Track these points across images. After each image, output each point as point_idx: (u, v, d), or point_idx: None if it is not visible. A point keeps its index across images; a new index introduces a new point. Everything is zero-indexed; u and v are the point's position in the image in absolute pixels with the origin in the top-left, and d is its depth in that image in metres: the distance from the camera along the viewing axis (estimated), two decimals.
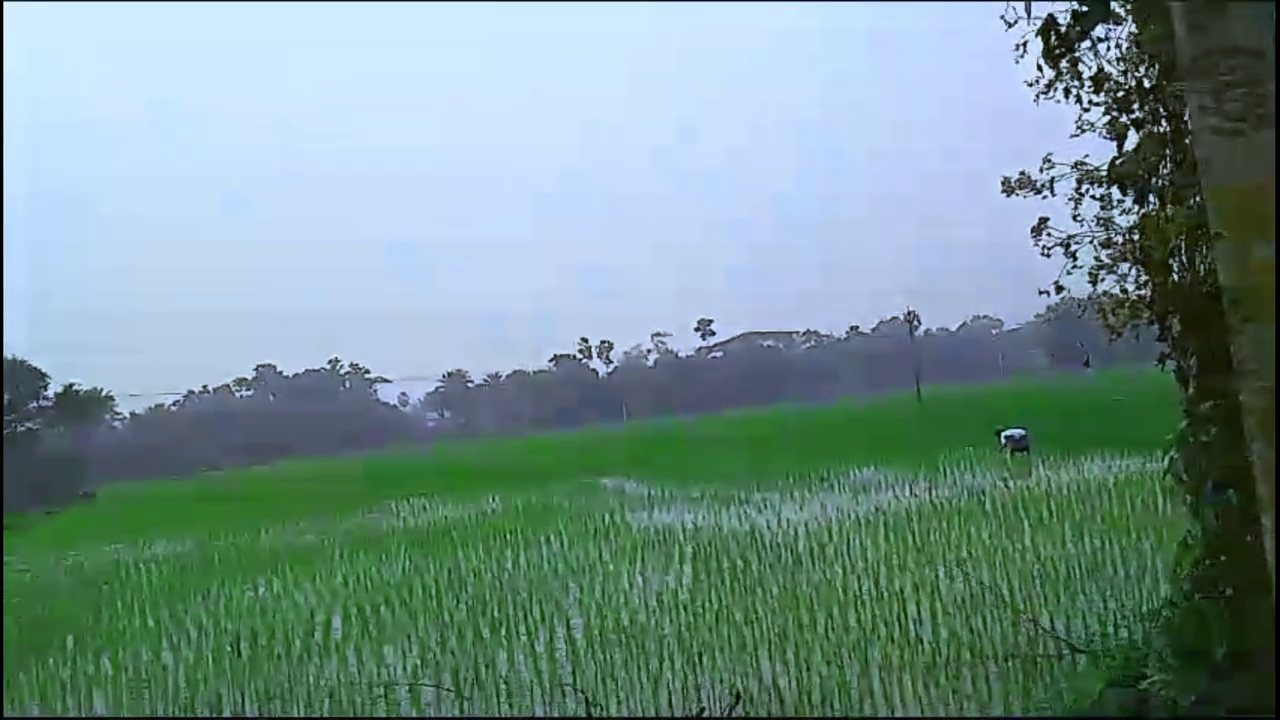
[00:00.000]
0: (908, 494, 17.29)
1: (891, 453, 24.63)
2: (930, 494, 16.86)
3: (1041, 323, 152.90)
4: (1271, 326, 1.81)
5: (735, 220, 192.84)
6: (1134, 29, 3.80)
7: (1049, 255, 4.20)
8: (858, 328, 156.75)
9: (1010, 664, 6.79)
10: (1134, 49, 3.84)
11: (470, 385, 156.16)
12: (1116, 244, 3.98)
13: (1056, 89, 4.07)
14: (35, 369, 62.83)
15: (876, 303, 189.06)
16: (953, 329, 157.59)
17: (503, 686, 8.09)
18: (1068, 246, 4.17)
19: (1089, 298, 4.24)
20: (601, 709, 7.17)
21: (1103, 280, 4.09)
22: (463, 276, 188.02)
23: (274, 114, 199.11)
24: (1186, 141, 3.74)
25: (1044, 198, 4.24)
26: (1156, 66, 3.73)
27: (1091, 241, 4.13)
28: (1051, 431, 22.78)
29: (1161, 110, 3.76)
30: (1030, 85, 4.14)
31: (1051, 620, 7.62)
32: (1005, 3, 3.66)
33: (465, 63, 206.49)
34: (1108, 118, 3.99)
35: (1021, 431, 21.55)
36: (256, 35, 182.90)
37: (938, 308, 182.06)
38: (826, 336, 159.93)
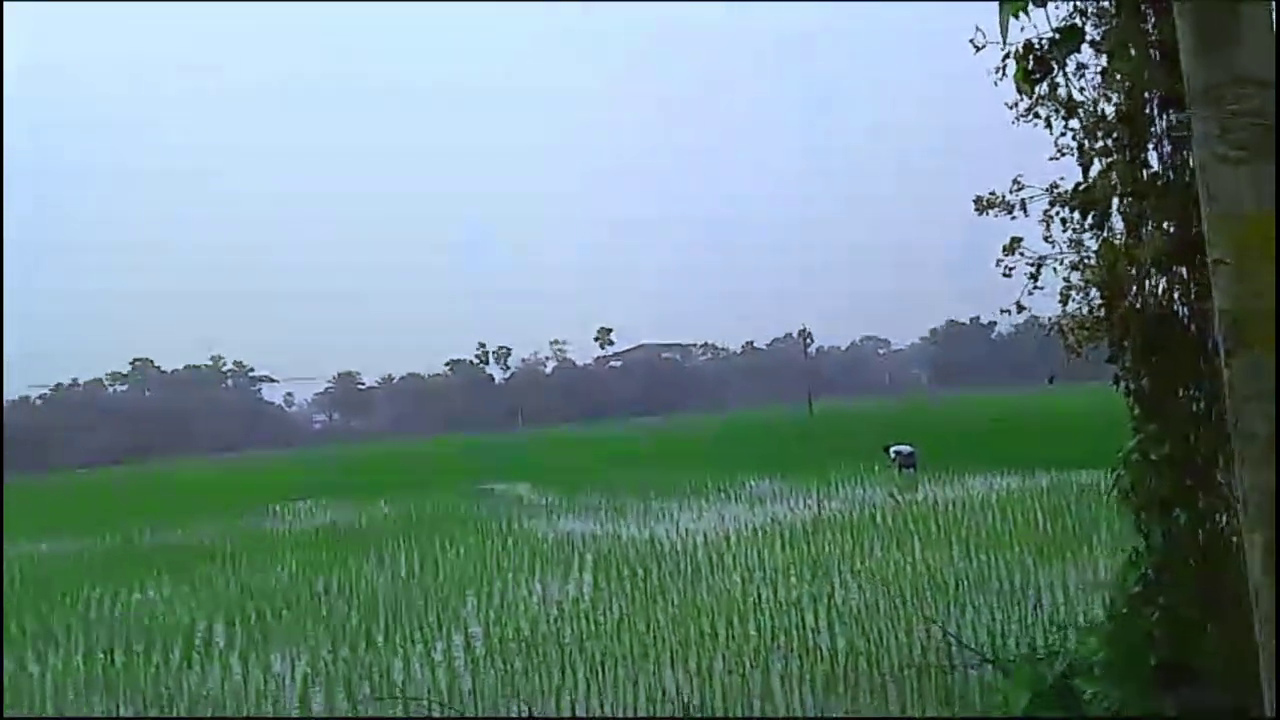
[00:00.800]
0: (802, 506, 17.65)
1: (785, 465, 25.12)
2: (822, 507, 17.25)
3: (926, 344, 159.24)
4: (1270, 353, 1.86)
5: (643, 226, 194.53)
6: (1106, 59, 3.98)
7: (1010, 275, 4.35)
8: (752, 343, 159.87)
9: (906, 673, 6.99)
10: (1106, 77, 4.02)
11: (361, 387, 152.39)
12: (1089, 266, 4.16)
13: (1033, 113, 4.22)
14: None
15: (771, 319, 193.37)
16: (843, 347, 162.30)
17: (399, 695, 7.88)
18: (1038, 268, 4.34)
19: (1050, 318, 4.40)
20: None
21: (1073, 301, 4.26)
22: (359, 276, 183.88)
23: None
24: (1144, 174, 3.93)
25: (1013, 218, 4.40)
26: (1126, 95, 3.92)
27: (1060, 263, 4.30)
28: (936, 449, 23.59)
29: (1125, 140, 3.94)
30: (1010, 108, 4.28)
31: (944, 630, 7.89)
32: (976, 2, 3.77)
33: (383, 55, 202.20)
34: (1076, 144, 4.15)
35: (909, 448, 22.21)
36: None
37: (829, 326, 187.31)
38: (723, 350, 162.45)
